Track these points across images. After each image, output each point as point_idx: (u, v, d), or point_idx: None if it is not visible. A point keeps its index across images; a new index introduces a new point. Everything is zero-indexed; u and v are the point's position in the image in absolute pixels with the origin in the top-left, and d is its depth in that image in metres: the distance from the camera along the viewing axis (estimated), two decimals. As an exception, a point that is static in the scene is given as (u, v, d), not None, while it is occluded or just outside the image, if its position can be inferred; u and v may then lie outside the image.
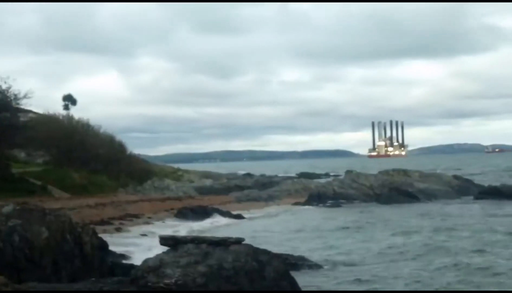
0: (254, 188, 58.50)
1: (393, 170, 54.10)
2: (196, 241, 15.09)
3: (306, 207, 45.17)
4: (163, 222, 33.48)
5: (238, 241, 15.30)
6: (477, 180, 62.48)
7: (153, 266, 14.20)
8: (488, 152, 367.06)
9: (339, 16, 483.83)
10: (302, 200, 48.19)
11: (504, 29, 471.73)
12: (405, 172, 53.46)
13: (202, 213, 36.68)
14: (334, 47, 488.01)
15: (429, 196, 47.89)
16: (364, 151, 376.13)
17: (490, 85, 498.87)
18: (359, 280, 17.94)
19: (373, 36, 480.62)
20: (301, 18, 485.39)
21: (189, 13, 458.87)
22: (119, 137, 58.30)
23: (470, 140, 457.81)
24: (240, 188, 59.52)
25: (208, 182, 66.68)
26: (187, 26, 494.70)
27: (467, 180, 55.61)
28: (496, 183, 57.45)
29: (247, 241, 15.69)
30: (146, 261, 14.68)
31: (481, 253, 21.34)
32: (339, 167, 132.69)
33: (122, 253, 21.14)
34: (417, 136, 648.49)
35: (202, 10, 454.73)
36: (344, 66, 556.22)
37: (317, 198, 47.64)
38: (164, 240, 15.26)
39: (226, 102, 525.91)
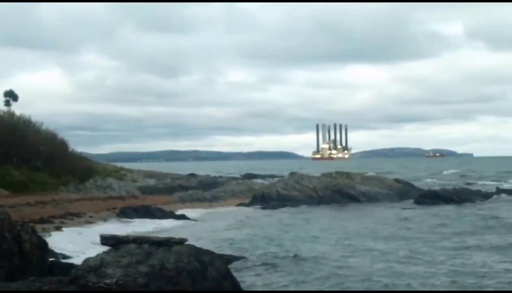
0: (198, 188, 58.31)
1: (336, 172, 54.65)
2: (138, 240, 14.99)
3: (250, 208, 45.33)
4: (105, 221, 33.10)
5: (181, 241, 15.26)
6: (418, 183, 63.83)
7: (94, 266, 14.04)
8: (429, 156, 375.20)
9: (286, 18, 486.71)
10: (246, 200, 48.34)
11: (446, 36, 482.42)
12: (347, 175, 54.10)
13: (145, 212, 36.42)
14: (280, 49, 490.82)
15: (371, 198, 48.68)
16: (308, 153, 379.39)
17: (432, 91, 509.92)
18: (303, 282, 18.15)
19: (319, 40, 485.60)
20: (247, 19, 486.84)
21: (134, 11, 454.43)
22: (62, 134, 57.20)
23: (412, 145, 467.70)
24: (184, 188, 59.27)
25: (151, 182, 66.15)
26: (132, 24, 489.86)
27: (408, 184, 56.68)
28: (436, 187, 59.03)
29: (190, 242, 15.66)
30: (86, 260, 14.50)
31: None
32: (283, 169, 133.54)
33: (62, 252, 20.83)
34: (360, 140, 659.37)
35: (147, 8, 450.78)
36: (289, 69, 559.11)
37: (261, 199, 47.84)
38: (105, 240, 15.11)
39: (171, 102, 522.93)
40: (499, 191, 55.05)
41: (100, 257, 14.44)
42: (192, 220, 36.19)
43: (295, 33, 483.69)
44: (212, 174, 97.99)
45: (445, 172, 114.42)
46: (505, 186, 64.59)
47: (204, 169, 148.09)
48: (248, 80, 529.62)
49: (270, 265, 20.29)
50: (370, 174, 68.53)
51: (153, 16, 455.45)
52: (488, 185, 69.29)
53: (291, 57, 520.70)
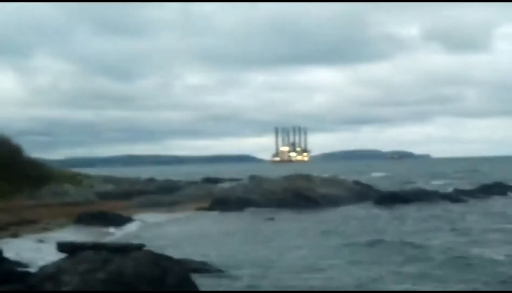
0: (157, 193, 57.75)
1: (296, 175, 54.78)
2: (95, 247, 14.77)
3: (210, 212, 45.12)
4: (61, 228, 32.56)
5: (139, 247, 15.10)
6: (377, 185, 64.45)
7: (50, 273, 13.77)
8: (387, 158, 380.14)
9: (243, 21, 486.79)
10: (206, 205, 48.08)
11: (402, 38, 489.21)
12: (307, 177, 54.26)
13: (102, 218, 35.93)
14: (238, 52, 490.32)
15: (330, 201, 48.87)
16: (267, 156, 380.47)
17: (389, 93, 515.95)
18: (259, 285, 18.10)
19: (276, 42, 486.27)
20: (204, 22, 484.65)
21: (89, 14, 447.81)
22: (15, 140, 55.99)
23: (371, 147, 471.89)
24: (143, 193, 58.61)
25: (109, 187, 65.24)
26: (87, 27, 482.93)
27: (367, 186, 57.14)
28: (395, 188, 59.70)
29: (148, 247, 15.49)
30: (43, 268, 14.21)
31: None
32: (243, 172, 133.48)
33: (18, 260, 20.36)
34: (319, 142, 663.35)
35: (102, 11, 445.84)
36: (247, 71, 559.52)
37: (221, 203, 47.63)
38: (62, 247, 14.85)
39: (128, 106, 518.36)
40: (458, 192, 55.82)
41: (56, 265, 14.18)
42: (151, 225, 35.82)
43: (252, 36, 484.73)
44: (171, 178, 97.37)
45: (373, 174, 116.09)
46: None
47: (162, 173, 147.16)
48: (206, 83, 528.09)
49: (231, 269, 20.18)
50: (330, 176, 68.87)
51: (108, 19, 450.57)
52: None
53: (249, 60, 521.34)
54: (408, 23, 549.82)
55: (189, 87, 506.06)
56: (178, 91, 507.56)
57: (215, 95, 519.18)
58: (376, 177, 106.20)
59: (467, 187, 64.30)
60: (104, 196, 55.41)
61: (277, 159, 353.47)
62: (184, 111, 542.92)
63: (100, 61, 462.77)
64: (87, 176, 67.57)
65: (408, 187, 63.06)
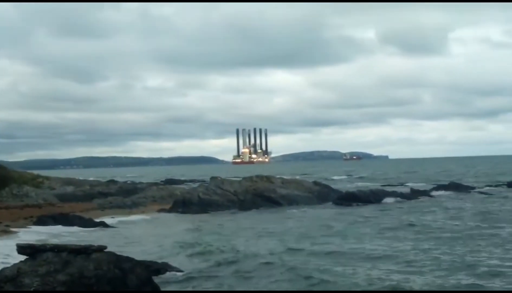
0: (118, 194, 57.48)
1: (257, 176, 55.05)
2: (56, 249, 14.80)
3: (171, 213, 45.15)
4: (21, 229, 32.27)
5: (100, 248, 15.16)
6: (336, 185, 65.20)
7: (10, 276, 13.78)
8: (346, 159, 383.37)
9: (202, 23, 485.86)
10: (167, 206, 48.05)
11: (360, 41, 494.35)
12: (268, 178, 54.57)
13: (63, 220, 35.75)
14: (198, 54, 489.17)
15: (291, 201, 49.30)
16: (228, 158, 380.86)
17: (348, 95, 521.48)
18: (220, 284, 18.35)
19: (236, 45, 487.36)
20: (163, 24, 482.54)
21: (47, 15, 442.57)
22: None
23: (330, 148, 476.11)
24: (104, 194, 58.29)
25: (70, 189, 64.72)
26: (46, 29, 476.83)
27: (326, 186, 57.74)
28: (353, 189, 60.54)
29: (109, 249, 15.58)
30: (2, 270, 14.20)
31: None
32: (204, 174, 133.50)
33: (-23, 263, 20.21)
34: (280, 144, 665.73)
35: (60, 12, 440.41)
36: (207, 74, 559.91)
37: (182, 204, 47.66)
38: (21, 249, 14.84)
39: (89, 108, 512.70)
40: (414, 191, 56.81)
41: (16, 267, 14.19)
42: (112, 227, 35.74)
43: (212, 38, 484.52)
44: (132, 180, 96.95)
45: (332, 175, 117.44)
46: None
47: (123, 175, 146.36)
48: (166, 85, 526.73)
49: (192, 271, 20.36)
50: (290, 177, 69.37)
51: (67, 20, 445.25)
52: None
53: (209, 62, 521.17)
54: (365, 26, 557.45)
55: (149, 89, 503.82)
56: (139, 93, 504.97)
57: (175, 97, 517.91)
58: (336, 177, 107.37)
59: (423, 186, 65.57)
60: (65, 198, 54.97)
61: (238, 160, 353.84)
62: (145, 113, 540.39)
63: (60, 63, 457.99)
64: (48, 178, 66.90)
65: (365, 187, 63.88)
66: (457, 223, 32.88)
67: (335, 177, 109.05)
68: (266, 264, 20.96)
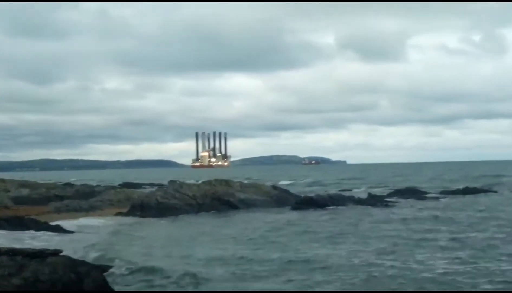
0: (75, 197, 56.83)
1: (216, 180, 55.06)
2: (10, 252, 14.63)
3: (129, 217, 44.80)
4: (-26, 233, 31.66)
5: (56, 252, 15.04)
6: (294, 190, 65.57)
7: (-37, 280, 13.56)
8: (305, 164, 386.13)
9: (162, 25, 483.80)
10: (125, 210, 47.68)
11: (319, 46, 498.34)
12: (226, 182, 54.62)
13: (18, 223, 35.15)
14: (157, 56, 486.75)
15: (249, 205, 49.44)
16: (187, 161, 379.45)
17: (307, 100, 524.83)
18: (176, 283, 18.44)
19: (196, 48, 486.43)
20: (122, 26, 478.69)
21: (4, 15, 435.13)
22: None
23: (289, 152, 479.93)
24: (60, 197, 57.58)
25: (25, 192, 63.72)
26: (2, 29, 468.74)
27: (285, 190, 58.01)
28: (312, 193, 60.97)
29: (65, 253, 15.47)
30: (-45, 275, 13.96)
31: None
32: (162, 177, 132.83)
33: None
34: (239, 148, 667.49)
35: (17, 13, 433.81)
36: (167, 76, 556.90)
37: (140, 208, 47.33)
38: (-25, 253, 14.61)
39: (45, 109, 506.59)
40: (371, 196, 57.45)
41: (-31, 271, 13.96)
42: (68, 230, 35.32)
43: (172, 41, 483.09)
44: (89, 183, 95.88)
45: (291, 179, 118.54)
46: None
47: (80, 178, 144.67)
48: (125, 87, 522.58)
49: (149, 273, 20.30)
50: (249, 181, 69.64)
51: (24, 20, 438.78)
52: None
53: (168, 65, 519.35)
54: (325, 31, 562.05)
55: (107, 91, 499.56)
56: (97, 95, 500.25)
57: (134, 99, 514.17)
58: (295, 182, 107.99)
59: (380, 192, 66.44)
60: (20, 201, 54.18)
61: (197, 164, 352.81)
62: (102, 116, 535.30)
63: (16, 63, 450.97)
64: (3, 180, 65.86)
65: (324, 192, 64.44)
66: (404, 228, 33.36)
67: (293, 181, 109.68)
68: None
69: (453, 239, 27.98)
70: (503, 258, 22.46)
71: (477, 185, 74.68)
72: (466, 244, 26.51)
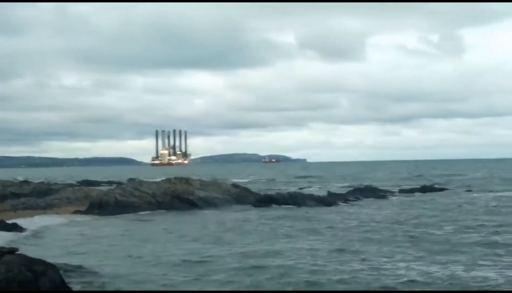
0: (32, 195, 56.03)
1: (175, 178, 54.87)
2: (-36, 251, 14.38)
3: (87, 215, 44.35)
4: None
5: (11, 251, 14.87)
6: (254, 188, 65.75)
7: None
8: (265, 162, 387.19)
9: (121, 23, 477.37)
10: (83, 208, 47.18)
11: (279, 45, 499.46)
12: (186, 180, 54.46)
13: (-28, 222, 34.52)
14: (116, 53, 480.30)
15: (209, 203, 49.36)
16: (147, 159, 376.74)
17: (267, 98, 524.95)
18: (135, 281, 18.36)
19: (156, 45, 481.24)
20: (81, 23, 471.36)
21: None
22: None
23: (249, 151, 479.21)
24: (16, 195, 56.71)
25: (-20, 189, 62.68)
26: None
27: (245, 188, 58.12)
28: (272, 191, 61.25)
29: (21, 251, 15.27)
30: None
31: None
32: (122, 175, 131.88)
33: None
34: (199, 146, 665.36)
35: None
36: (126, 74, 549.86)
37: (98, 206, 46.88)
38: None
39: (2, 106, 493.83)
40: (330, 194, 57.95)
41: None
42: (25, 228, 34.79)
43: (131, 38, 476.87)
44: (47, 181, 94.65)
45: (251, 177, 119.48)
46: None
47: (38, 176, 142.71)
48: (83, 84, 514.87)
49: (107, 273, 20.16)
50: (209, 179, 69.51)
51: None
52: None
53: (128, 62, 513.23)
54: (285, 30, 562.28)
55: (65, 88, 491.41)
56: (54, 92, 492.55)
57: (92, 96, 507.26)
58: (254, 179, 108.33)
59: (340, 190, 67.03)
60: (-26, 199, 53.17)
61: (157, 162, 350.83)
62: (60, 113, 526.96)
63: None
64: (-44, 178, 64.78)
65: (284, 190, 64.81)
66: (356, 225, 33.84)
67: (254, 179, 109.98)
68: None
69: (411, 237, 28.46)
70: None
71: (434, 183, 76.03)
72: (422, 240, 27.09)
